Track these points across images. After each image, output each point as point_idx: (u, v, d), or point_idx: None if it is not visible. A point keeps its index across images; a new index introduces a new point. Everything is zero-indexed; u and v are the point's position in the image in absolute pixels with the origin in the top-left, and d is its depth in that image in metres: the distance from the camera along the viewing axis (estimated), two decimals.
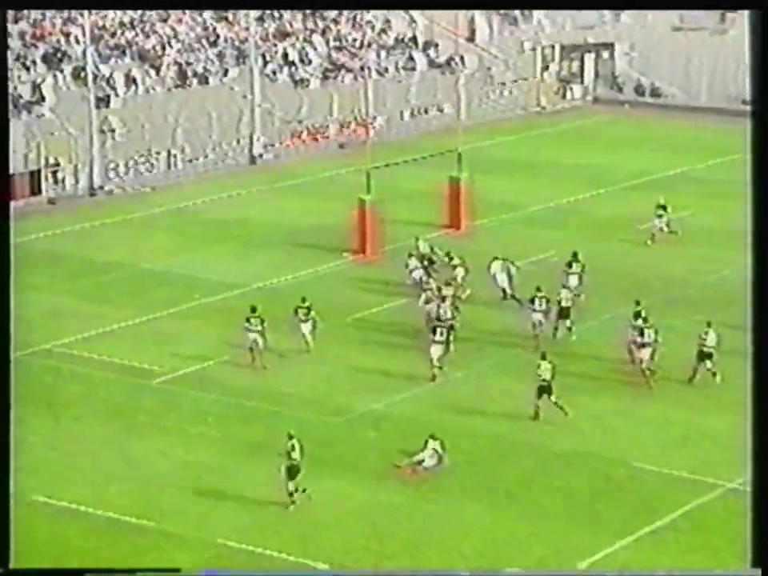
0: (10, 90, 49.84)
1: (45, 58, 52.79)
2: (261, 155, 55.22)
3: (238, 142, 54.84)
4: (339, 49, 60.35)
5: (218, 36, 57.93)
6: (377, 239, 41.59)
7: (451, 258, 36.94)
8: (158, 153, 52.27)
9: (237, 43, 57.52)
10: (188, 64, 55.70)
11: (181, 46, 56.53)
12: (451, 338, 32.38)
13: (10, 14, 49.80)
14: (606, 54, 67.80)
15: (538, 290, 33.84)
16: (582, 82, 67.41)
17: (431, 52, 62.38)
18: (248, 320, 32.61)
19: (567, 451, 28.08)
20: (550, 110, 65.22)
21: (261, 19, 58.63)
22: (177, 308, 36.91)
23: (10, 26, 52.57)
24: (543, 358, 29.61)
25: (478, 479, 26.90)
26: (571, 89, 66.92)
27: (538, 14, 66.68)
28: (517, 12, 65.94)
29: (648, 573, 23.40)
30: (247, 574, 23.19)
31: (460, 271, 36.43)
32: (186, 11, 57.42)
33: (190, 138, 53.28)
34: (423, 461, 26.80)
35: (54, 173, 49.66)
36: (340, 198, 45.34)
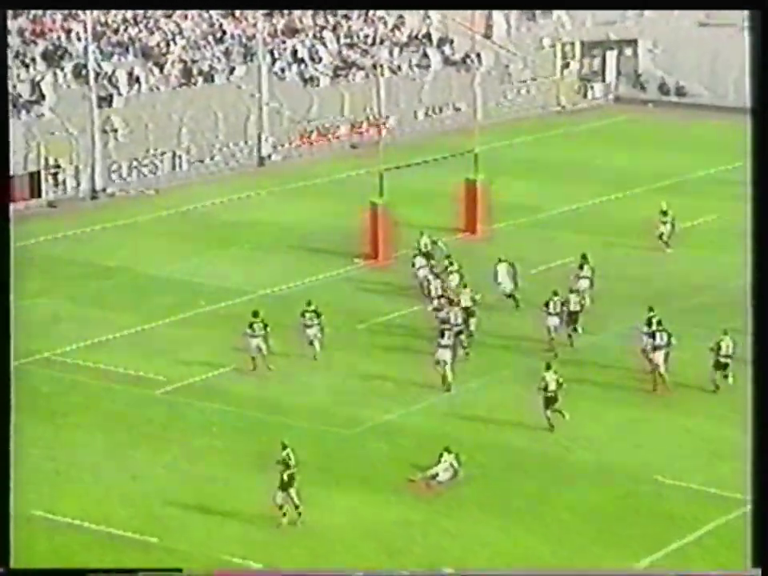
0: (10, 89, 50.03)
1: (45, 56, 52.99)
2: (269, 156, 55.32)
3: (246, 142, 54.96)
4: (350, 46, 60.45)
5: (224, 32, 58.09)
6: (389, 244, 41.62)
7: (451, 263, 36.99)
8: (162, 154, 52.40)
9: (244, 40, 57.66)
10: (193, 61, 55.85)
11: (186, 43, 56.69)
12: (461, 342, 32.52)
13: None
14: (628, 51, 67.77)
15: (555, 293, 34.00)
16: (603, 81, 67.39)
17: (446, 49, 62.44)
18: (250, 325, 32.74)
19: (587, 464, 28.06)
20: (570, 109, 65.21)
21: (269, 15, 58.75)
22: (182, 315, 36.99)
23: (9, 22, 52.80)
24: (548, 368, 29.69)
25: (494, 494, 26.90)
26: (592, 87, 66.92)
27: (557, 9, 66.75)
28: None
29: (648, 573, 23.47)
30: (252, 573, 23.74)
31: (455, 278, 36.51)
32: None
33: (196, 139, 53.40)
34: (438, 475, 26.81)
35: (55, 174, 49.81)
36: (351, 200, 45.40)
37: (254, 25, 56.50)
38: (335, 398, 31.56)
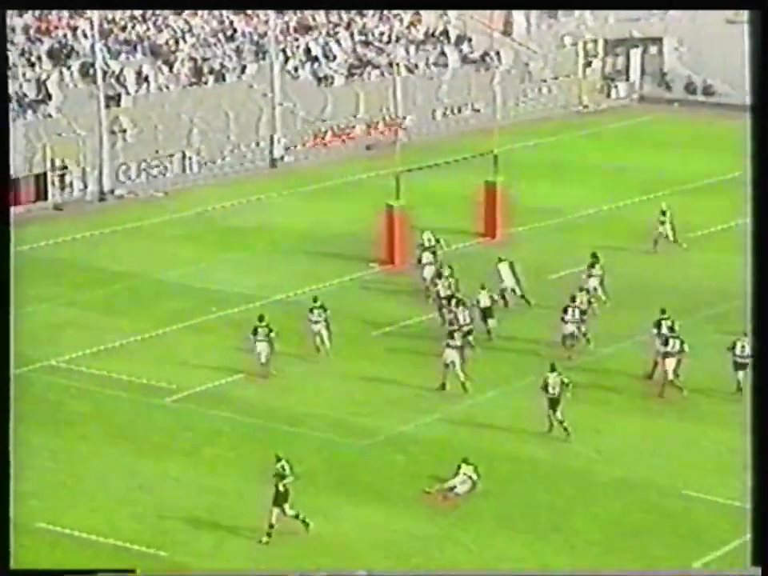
0: (15, 89, 50.20)
1: (51, 54, 53.10)
2: (282, 158, 55.36)
3: (258, 143, 55.01)
4: (366, 43, 60.48)
5: (235, 30, 58.16)
6: (406, 248, 41.60)
7: (451, 272, 36.99)
8: (171, 155, 52.49)
9: (255, 38, 57.74)
10: (204, 60, 55.93)
11: (196, 41, 56.79)
12: (469, 342, 32.60)
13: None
14: (653, 49, 67.67)
15: (573, 299, 34.03)
16: (627, 79, 67.30)
17: (464, 47, 62.43)
18: (255, 330, 32.87)
19: (610, 477, 27.98)
20: (593, 109, 65.12)
21: (281, 12, 58.79)
22: (192, 321, 37.03)
23: (15, 20, 52.96)
24: (552, 370, 29.70)
25: (514, 507, 26.84)
26: (616, 86, 66.82)
27: None
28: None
29: (648, 572, 23.54)
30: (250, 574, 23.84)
31: (453, 283, 36.51)
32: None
33: (206, 140, 53.48)
34: (455, 487, 26.78)
35: (61, 176, 49.92)
36: (366, 203, 45.40)
37: (266, 22, 56.55)
38: (349, 408, 31.55)
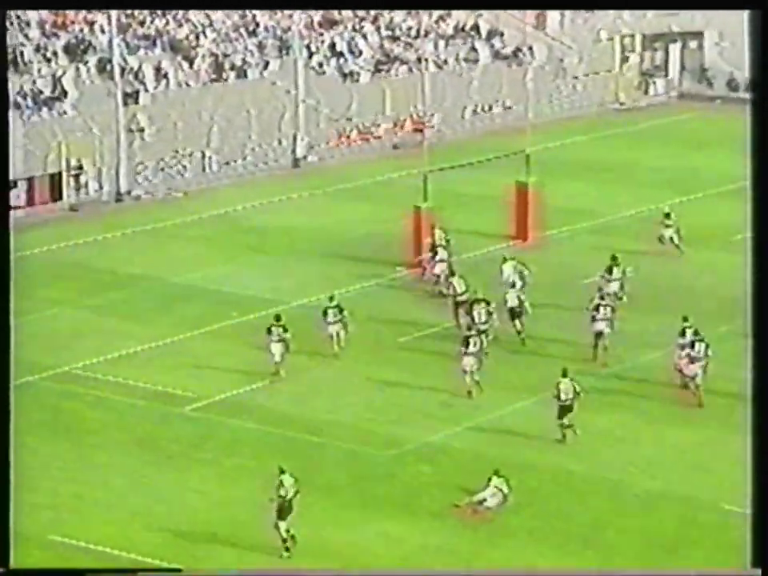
0: (29, 86, 50.52)
1: (67, 49, 53.41)
2: (305, 157, 55.48)
3: (280, 142, 55.15)
4: (393, 38, 60.59)
5: (257, 24, 58.34)
6: None
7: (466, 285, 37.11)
8: (190, 154, 52.68)
9: (278, 32, 57.91)
10: (225, 56, 56.14)
11: (216, 36, 57.00)
12: (482, 343, 32.68)
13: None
14: (693, 44, 67.54)
15: (602, 298, 34.08)
16: (666, 76, 67.20)
17: (496, 42, 62.47)
18: (269, 330, 33.07)
19: (646, 490, 27.92)
20: (630, 106, 65.05)
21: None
22: (211, 327, 37.13)
23: (30, 14, 53.25)
24: (564, 375, 29.70)
25: (546, 521, 26.82)
26: (654, 83, 66.74)
27: None
28: None
29: (648, 572, 23.61)
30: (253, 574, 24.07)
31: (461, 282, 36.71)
32: None
33: (227, 138, 53.66)
34: (485, 500, 26.76)
35: (77, 176, 50.14)
36: (393, 204, 45.45)
37: (290, 16, 56.72)
38: (375, 417, 31.59)
